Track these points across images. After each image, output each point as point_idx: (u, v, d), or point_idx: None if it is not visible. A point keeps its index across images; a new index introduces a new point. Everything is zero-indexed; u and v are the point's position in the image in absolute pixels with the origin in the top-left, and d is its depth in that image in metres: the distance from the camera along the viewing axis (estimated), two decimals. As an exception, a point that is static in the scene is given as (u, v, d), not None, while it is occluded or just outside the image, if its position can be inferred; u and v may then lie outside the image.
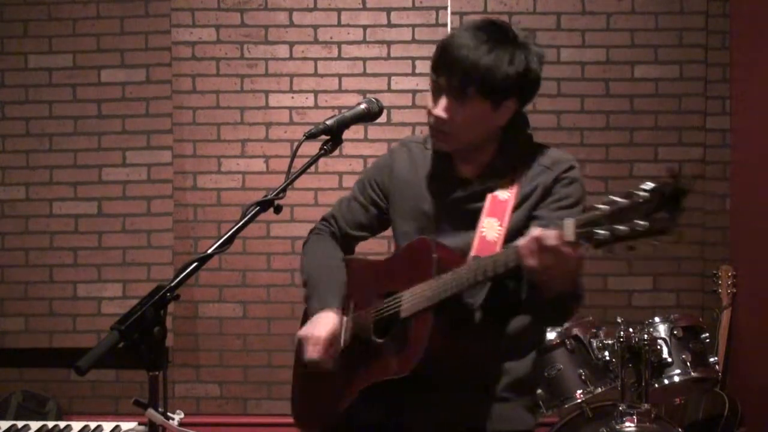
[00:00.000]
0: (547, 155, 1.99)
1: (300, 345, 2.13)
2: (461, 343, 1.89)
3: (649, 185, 1.46)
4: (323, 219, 2.27)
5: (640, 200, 1.45)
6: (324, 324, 2.01)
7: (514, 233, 1.90)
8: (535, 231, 1.64)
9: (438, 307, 1.83)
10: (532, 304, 1.84)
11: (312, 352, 1.99)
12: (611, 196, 1.52)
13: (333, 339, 2.00)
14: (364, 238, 2.25)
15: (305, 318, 2.21)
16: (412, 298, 1.89)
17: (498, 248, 1.89)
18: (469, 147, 1.97)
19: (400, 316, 1.92)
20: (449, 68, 1.87)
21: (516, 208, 1.94)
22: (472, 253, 1.90)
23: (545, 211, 1.93)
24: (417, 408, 1.96)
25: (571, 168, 1.96)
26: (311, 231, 2.28)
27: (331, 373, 2.06)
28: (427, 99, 1.96)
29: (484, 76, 1.85)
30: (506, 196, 1.95)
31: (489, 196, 1.96)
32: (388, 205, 2.16)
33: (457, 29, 1.95)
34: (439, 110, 1.91)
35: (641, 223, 1.45)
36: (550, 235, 1.61)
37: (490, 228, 1.92)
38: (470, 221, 1.95)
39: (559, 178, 1.94)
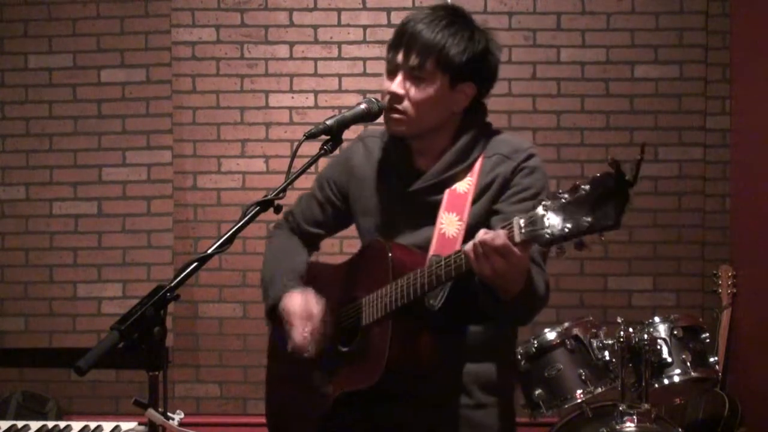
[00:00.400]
0: (505, 143, 1.93)
1: (270, 353, 2.13)
2: (424, 348, 1.83)
3: (591, 177, 1.42)
4: (286, 214, 2.21)
5: (584, 194, 1.41)
6: (292, 307, 1.93)
7: (474, 228, 1.83)
8: (480, 234, 1.59)
9: (397, 312, 1.79)
10: (488, 306, 1.76)
11: (294, 341, 1.92)
12: (558, 192, 1.47)
13: (307, 317, 1.92)
14: (323, 236, 2.19)
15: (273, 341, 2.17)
16: (370, 305, 1.85)
17: (458, 245, 1.83)
18: (426, 132, 1.91)
19: (361, 324, 1.88)
20: (407, 44, 1.84)
21: (475, 201, 1.88)
22: (431, 251, 1.85)
23: (506, 204, 1.86)
24: (388, 416, 1.93)
25: (530, 156, 1.89)
26: (274, 225, 2.23)
27: (302, 382, 2.01)
28: (383, 81, 1.91)
29: (443, 50, 1.83)
30: (465, 188, 1.89)
31: (447, 191, 1.90)
32: (346, 203, 2.10)
33: (414, 12, 1.92)
34: (396, 86, 1.86)
35: (585, 219, 1.40)
36: (497, 237, 1.56)
37: (449, 224, 1.87)
38: (428, 215, 1.90)
39: (519, 168, 1.87)
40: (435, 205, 1.91)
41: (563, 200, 1.44)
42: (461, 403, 1.94)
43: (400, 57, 1.86)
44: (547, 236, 1.46)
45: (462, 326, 1.93)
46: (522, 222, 1.53)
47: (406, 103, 1.86)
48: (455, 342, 1.91)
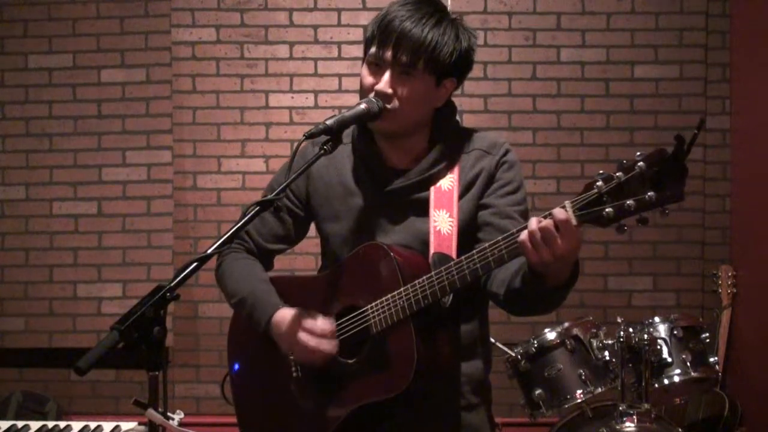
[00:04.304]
0: (481, 139, 1.95)
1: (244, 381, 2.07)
2: (443, 346, 1.83)
3: (642, 155, 1.47)
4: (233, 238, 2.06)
5: (639, 171, 1.46)
6: (288, 326, 1.85)
7: (465, 223, 1.87)
8: (533, 223, 1.59)
9: (415, 314, 1.76)
10: (534, 294, 1.72)
11: (310, 351, 1.84)
12: (603, 173, 1.51)
13: (309, 328, 1.84)
14: (282, 251, 2.09)
15: (234, 335, 2.10)
16: (381, 311, 1.80)
17: (454, 241, 1.83)
18: (407, 129, 1.91)
19: (371, 333, 1.82)
20: (397, 42, 1.82)
21: (461, 196, 1.89)
22: (432, 249, 1.84)
23: (493, 198, 1.89)
24: (394, 423, 1.90)
25: (508, 151, 1.93)
26: (221, 252, 2.05)
27: (292, 405, 1.94)
28: (364, 76, 1.89)
29: (434, 50, 1.82)
30: (449, 185, 1.89)
31: (432, 188, 1.90)
32: (308, 211, 2.04)
33: (395, 5, 1.88)
34: (384, 85, 1.84)
35: (650, 194, 1.45)
36: (560, 223, 1.55)
37: (442, 221, 1.86)
38: (413, 213, 1.90)
39: (501, 163, 1.91)
40: (420, 202, 1.90)
41: (620, 180, 1.48)
42: (457, 404, 1.94)
43: (388, 54, 1.84)
44: (606, 215, 1.50)
45: (459, 323, 1.93)
46: (573, 204, 1.55)
47: (394, 102, 1.85)
48: (458, 339, 1.92)
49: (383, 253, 1.83)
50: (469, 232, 1.87)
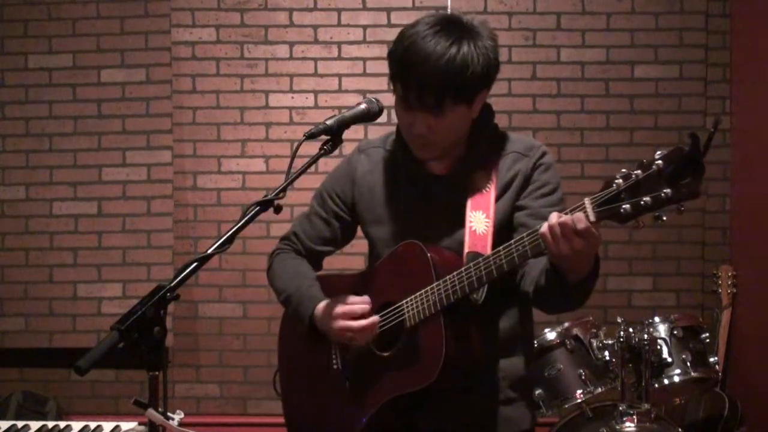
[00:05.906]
0: (518, 142, 1.99)
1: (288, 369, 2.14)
2: (474, 342, 1.88)
3: (660, 153, 1.50)
4: (283, 239, 2.20)
5: (657, 169, 1.49)
6: (329, 315, 1.96)
7: (501, 224, 1.90)
8: (554, 216, 1.63)
9: (446, 310, 1.82)
10: (556, 291, 1.78)
11: (354, 333, 1.93)
12: (624, 171, 1.55)
13: (349, 312, 1.95)
14: (330, 253, 2.19)
15: (283, 332, 2.20)
16: (415, 306, 1.87)
17: (489, 241, 1.87)
18: (450, 149, 1.94)
19: (405, 327, 1.90)
20: (421, 84, 1.80)
21: (498, 198, 1.93)
22: (466, 249, 1.88)
23: (529, 200, 1.92)
24: (430, 416, 1.95)
25: (544, 153, 1.97)
26: (272, 254, 2.20)
27: (332, 395, 2.04)
28: (398, 114, 1.89)
29: (458, 83, 1.79)
30: (486, 187, 1.94)
31: (470, 190, 1.94)
32: (354, 215, 2.11)
33: (413, 34, 1.82)
34: (421, 129, 1.86)
35: (666, 191, 1.48)
36: (578, 218, 1.60)
37: (478, 222, 1.91)
38: (452, 216, 1.93)
39: (537, 165, 1.95)
40: (457, 207, 1.93)
41: (635, 177, 1.52)
42: (494, 399, 1.98)
43: (414, 99, 1.82)
44: (624, 212, 1.53)
45: (496, 320, 1.97)
46: (593, 201, 1.58)
47: (431, 136, 1.87)
48: (492, 336, 1.96)
49: (419, 251, 1.89)
50: (504, 232, 1.90)
